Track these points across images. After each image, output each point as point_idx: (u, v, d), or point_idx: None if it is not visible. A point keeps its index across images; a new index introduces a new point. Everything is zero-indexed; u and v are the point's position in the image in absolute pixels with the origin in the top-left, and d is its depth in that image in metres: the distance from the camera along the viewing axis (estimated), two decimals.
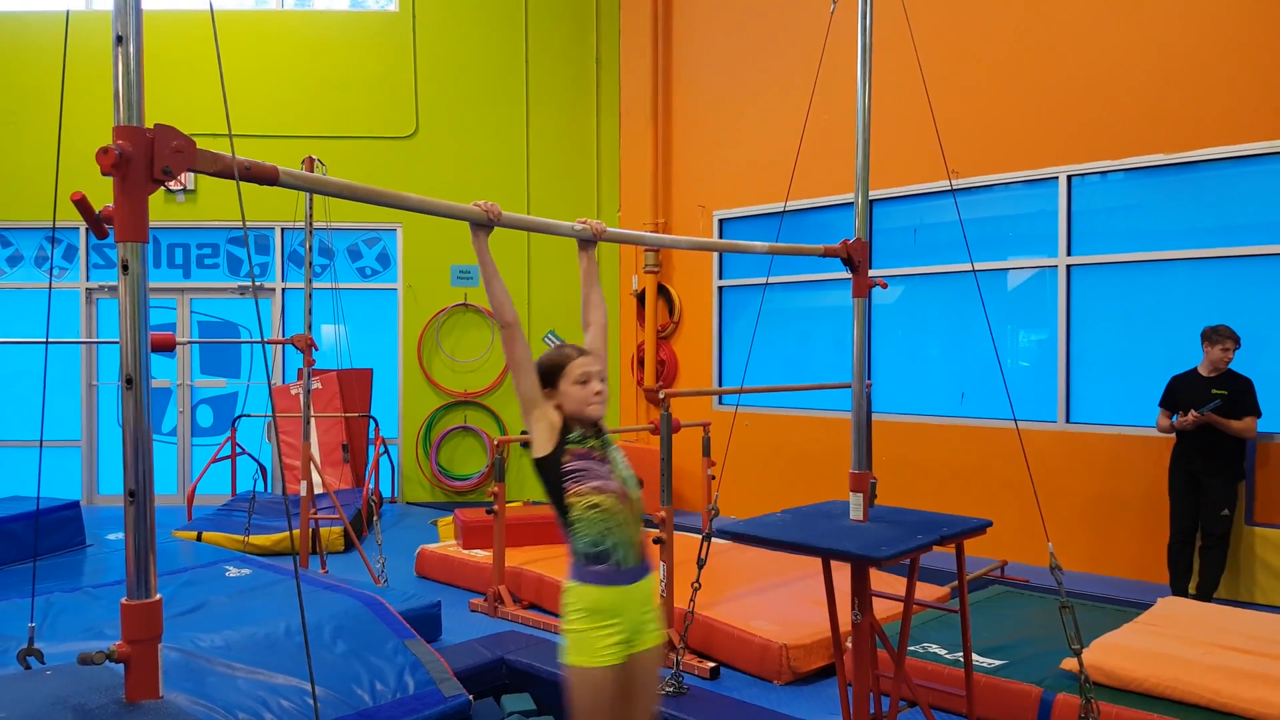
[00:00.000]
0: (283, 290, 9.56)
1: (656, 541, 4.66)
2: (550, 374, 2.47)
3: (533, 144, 9.65)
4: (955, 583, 3.64)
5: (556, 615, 5.36)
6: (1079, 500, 6.41)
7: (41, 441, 3.43)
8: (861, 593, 3.15)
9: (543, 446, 2.40)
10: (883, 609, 3.96)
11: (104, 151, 1.77)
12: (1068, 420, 6.56)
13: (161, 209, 9.25)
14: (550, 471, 2.40)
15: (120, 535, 6.37)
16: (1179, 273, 6.19)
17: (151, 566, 1.93)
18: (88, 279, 9.43)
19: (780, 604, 4.99)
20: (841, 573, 3.38)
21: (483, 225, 2.40)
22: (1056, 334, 6.63)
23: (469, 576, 6.06)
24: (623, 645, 2.36)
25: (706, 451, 6.43)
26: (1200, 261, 6.08)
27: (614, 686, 2.33)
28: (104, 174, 1.81)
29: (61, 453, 9.39)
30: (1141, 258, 6.29)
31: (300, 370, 6.04)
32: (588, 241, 2.74)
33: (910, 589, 3.19)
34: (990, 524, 3.38)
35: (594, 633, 2.34)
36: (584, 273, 2.74)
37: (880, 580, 5.00)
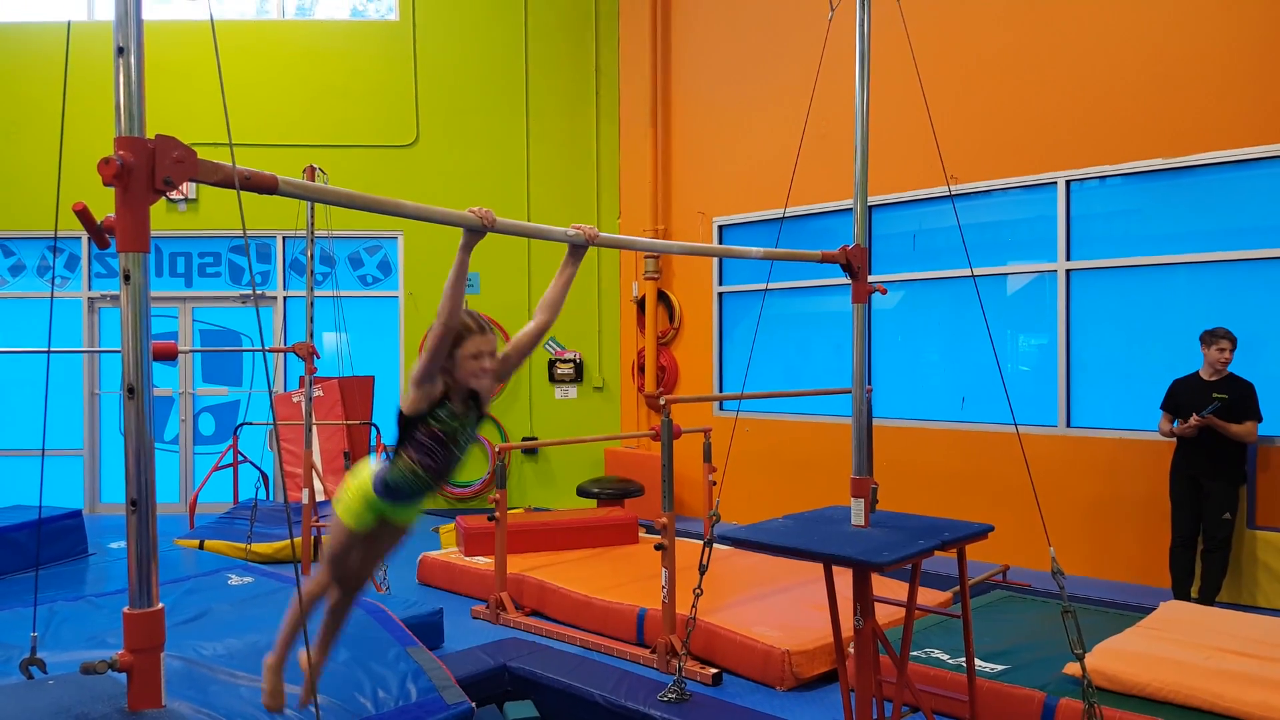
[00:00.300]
0: (284, 298, 9.58)
1: (658, 548, 4.66)
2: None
3: (533, 152, 9.67)
4: (957, 587, 3.64)
5: (559, 623, 5.36)
6: (1080, 504, 6.40)
7: (44, 450, 3.43)
8: (863, 598, 3.16)
9: (413, 406, 2.50)
10: (885, 614, 3.96)
11: (105, 162, 1.78)
12: (1068, 425, 6.56)
13: (163, 218, 9.27)
14: (404, 429, 2.52)
15: (122, 544, 6.38)
16: (1178, 277, 6.19)
17: (153, 575, 1.94)
18: (90, 288, 9.44)
19: (782, 609, 4.99)
20: (843, 578, 3.39)
21: (476, 231, 2.42)
22: (1056, 338, 6.64)
23: (471, 583, 6.06)
24: (375, 520, 2.60)
25: (707, 457, 6.43)
26: (1199, 265, 6.09)
27: (354, 537, 2.62)
28: (105, 184, 1.82)
29: (64, 461, 9.40)
30: (1140, 262, 6.29)
31: (302, 378, 6.05)
32: (578, 248, 2.76)
33: (912, 594, 3.20)
34: (992, 529, 3.38)
35: (361, 509, 2.56)
36: (562, 276, 2.75)
37: (882, 585, 5.00)
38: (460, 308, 2.45)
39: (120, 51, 1.88)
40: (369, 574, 2.85)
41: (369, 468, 2.60)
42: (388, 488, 2.53)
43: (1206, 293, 6.07)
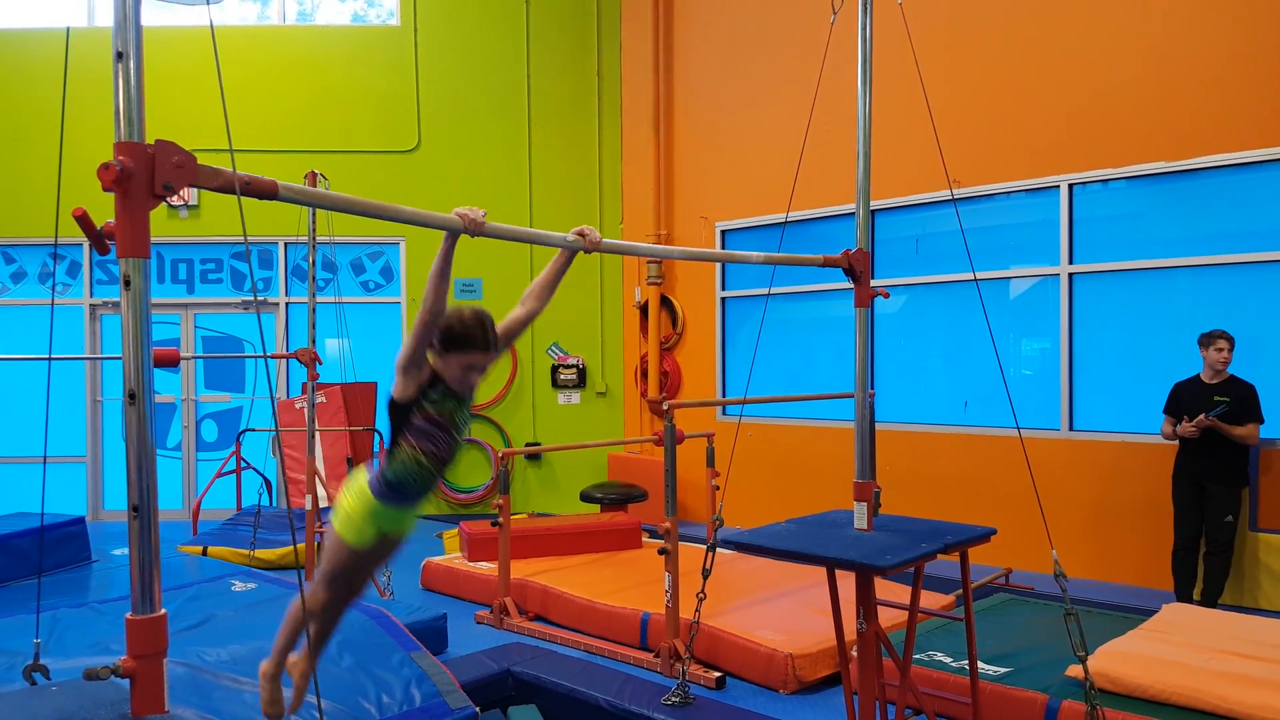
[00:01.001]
0: (286, 305, 9.59)
1: (662, 552, 4.66)
2: (450, 342, 2.48)
3: (535, 157, 9.68)
4: (960, 590, 3.64)
5: (563, 627, 5.36)
6: (1083, 507, 6.39)
7: (45, 457, 3.44)
8: (866, 601, 3.16)
9: (403, 392, 2.48)
10: (888, 617, 3.95)
11: (105, 167, 1.79)
12: (1071, 428, 6.55)
13: (164, 224, 9.29)
14: (398, 416, 2.50)
15: (126, 550, 6.38)
16: (1181, 280, 6.18)
17: (156, 581, 1.94)
18: (91, 295, 9.46)
19: (785, 613, 4.98)
20: (846, 582, 3.39)
21: (462, 231, 2.42)
22: (1059, 342, 6.63)
23: (475, 589, 6.06)
24: (377, 535, 2.57)
25: (711, 462, 6.44)
26: (1202, 269, 6.08)
27: (354, 555, 2.58)
28: (105, 190, 1.82)
29: (67, 468, 9.41)
30: (1143, 265, 6.29)
31: (304, 384, 6.05)
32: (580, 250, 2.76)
33: (915, 597, 3.19)
34: (994, 532, 3.38)
35: (362, 521, 2.53)
36: (554, 265, 2.74)
37: (885, 589, 4.99)
38: (442, 298, 2.43)
39: (119, 57, 1.89)
40: (364, 587, 2.83)
41: (364, 475, 2.57)
42: (389, 486, 2.49)
43: (1208, 296, 6.06)
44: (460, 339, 2.47)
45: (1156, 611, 4.70)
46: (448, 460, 2.54)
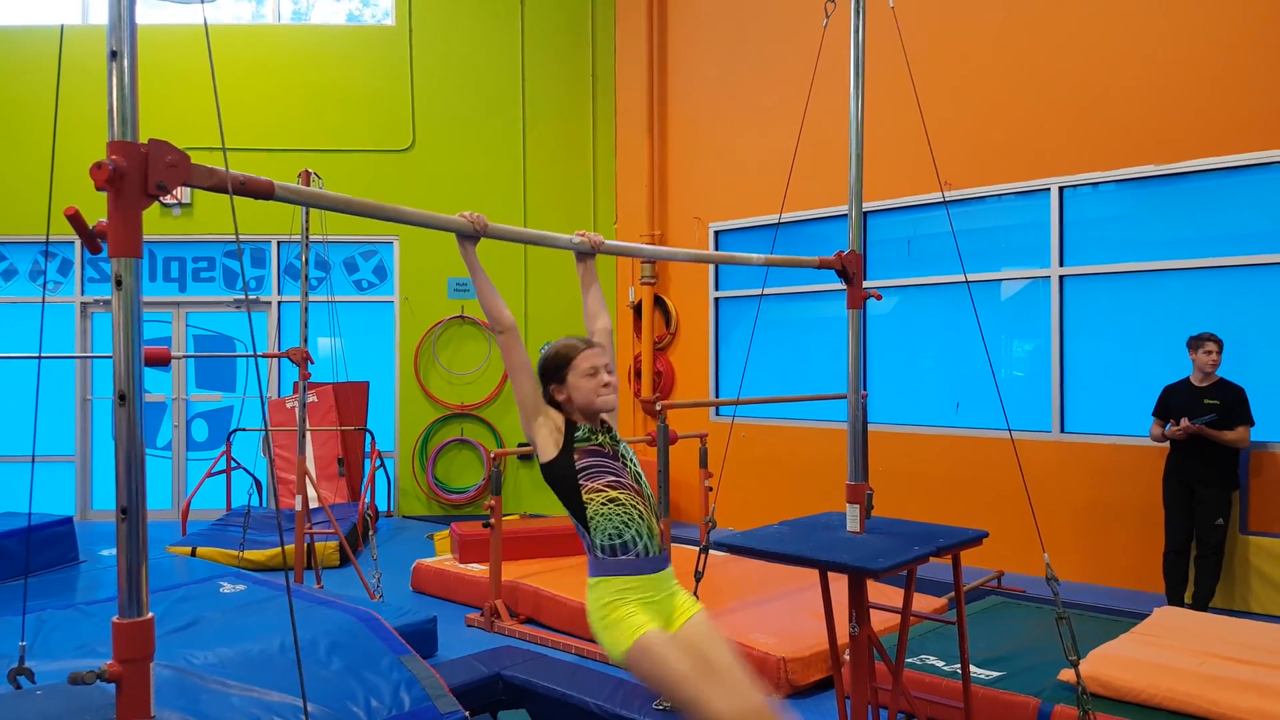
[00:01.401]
0: (279, 304, 9.56)
1: None
2: (556, 368, 2.42)
3: (529, 157, 9.67)
4: (952, 594, 3.64)
5: (555, 630, 5.34)
6: (1075, 510, 6.41)
7: (34, 456, 3.41)
8: (859, 605, 3.15)
9: (549, 450, 2.36)
10: (880, 621, 3.95)
11: (98, 166, 1.77)
12: (1062, 430, 6.56)
13: (157, 223, 9.25)
14: (562, 472, 2.35)
15: (114, 551, 6.35)
16: (1171, 283, 6.20)
17: (143, 584, 1.92)
18: (83, 293, 9.41)
19: (778, 616, 4.97)
20: (839, 584, 3.38)
21: (469, 236, 2.39)
22: (1050, 344, 6.65)
23: (465, 591, 6.04)
24: (658, 621, 2.31)
25: (704, 463, 6.43)
26: (1191, 271, 6.10)
27: (672, 643, 2.26)
28: (98, 189, 1.81)
29: (56, 468, 9.36)
30: (1133, 268, 6.31)
31: (296, 384, 6.03)
32: (586, 255, 2.73)
33: (907, 601, 3.19)
34: (986, 535, 3.38)
35: (626, 611, 2.28)
36: (583, 282, 2.73)
37: (877, 592, 4.99)
38: (503, 305, 2.38)
39: (114, 55, 1.87)
40: (744, 693, 2.37)
41: (591, 583, 2.33)
42: (606, 552, 2.29)
43: (1198, 298, 6.08)
44: (562, 355, 2.41)
45: (1148, 615, 4.71)
46: (640, 492, 2.35)
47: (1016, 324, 6.98)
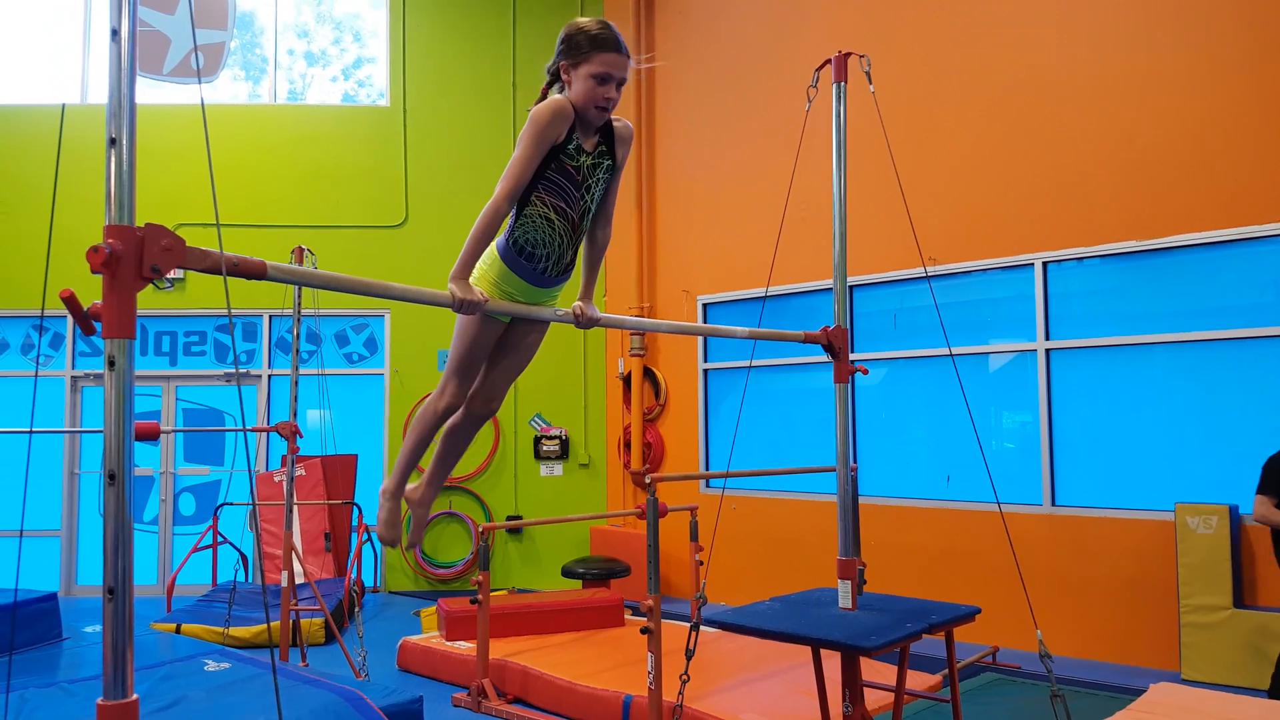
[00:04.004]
0: (269, 377, 9.56)
1: (644, 631, 4.59)
2: (575, 49, 2.32)
3: None
4: (946, 670, 3.60)
5: (543, 710, 5.24)
6: (1068, 583, 6.36)
7: (22, 531, 3.39)
8: (852, 683, 3.12)
9: (544, 145, 2.35)
10: (874, 699, 3.90)
11: (95, 250, 1.80)
12: (1053, 503, 6.56)
13: (149, 298, 9.29)
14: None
15: (98, 628, 6.24)
16: (1157, 356, 6.27)
17: (129, 665, 1.90)
18: (73, 367, 9.41)
19: (770, 695, 4.90)
20: (832, 662, 3.35)
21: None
22: (1039, 417, 6.68)
23: (452, 670, 5.94)
24: (504, 299, 2.43)
25: (694, 536, 6.38)
26: (1176, 345, 6.16)
27: (481, 332, 2.42)
28: (94, 272, 1.83)
29: (40, 542, 9.23)
30: (1119, 342, 6.38)
31: (284, 457, 6.01)
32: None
33: (901, 678, 3.16)
34: (979, 611, 3.36)
35: (489, 285, 2.42)
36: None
37: (871, 669, 4.93)
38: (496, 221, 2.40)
39: (112, 142, 1.92)
40: (499, 392, 2.61)
41: (490, 250, 2.45)
42: (516, 248, 2.38)
43: (1184, 371, 6.14)
44: (589, 40, 2.29)
45: (1144, 691, 4.65)
46: (578, 225, 2.40)
47: (1005, 396, 7.03)
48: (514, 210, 2.41)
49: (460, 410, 2.57)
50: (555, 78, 2.42)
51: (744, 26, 8.79)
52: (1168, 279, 6.25)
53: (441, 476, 2.67)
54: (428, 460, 2.80)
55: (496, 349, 2.51)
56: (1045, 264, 6.69)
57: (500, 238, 2.45)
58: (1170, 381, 6.19)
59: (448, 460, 2.67)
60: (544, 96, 2.40)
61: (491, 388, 2.58)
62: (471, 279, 2.39)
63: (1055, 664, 3.28)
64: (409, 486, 2.61)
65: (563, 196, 2.37)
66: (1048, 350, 6.66)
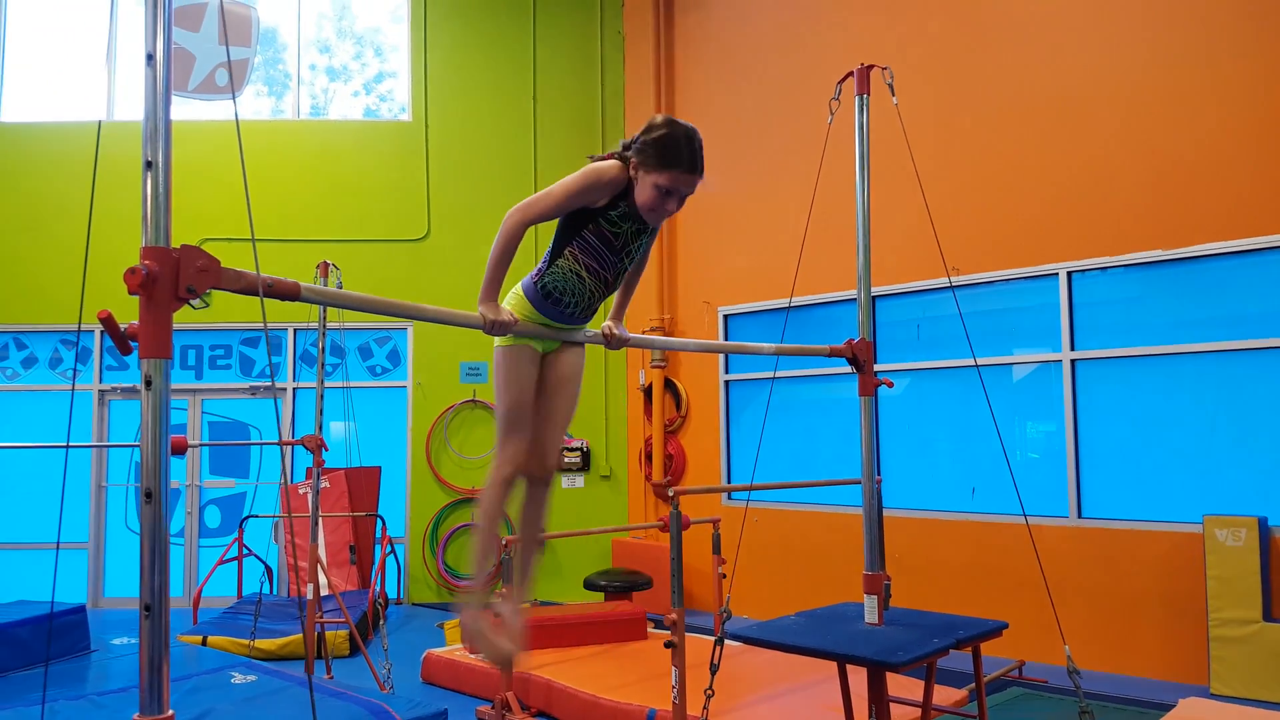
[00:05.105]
0: (294, 390, 9.64)
1: (669, 645, 4.58)
2: (654, 152, 2.29)
3: (542, 247, 9.82)
4: (973, 685, 3.57)
5: None
6: (1095, 596, 6.30)
7: (59, 543, 3.44)
8: (879, 699, 3.11)
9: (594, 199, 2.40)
10: (900, 715, 3.87)
11: (131, 272, 1.84)
12: (1079, 515, 6.50)
13: (178, 314, 9.39)
14: (568, 228, 2.42)
15: (126, 640, 6.30)
16: (1184, 366, 6.21)
17: (164, 681, 1.93)
18: (101, 381, 9.52)
19: (795, 710, 4.88)
20: (858, 677, 3.34)
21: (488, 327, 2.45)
22: (1064, 428, 6.63)
23: (476, 682, 5.95)
24: (536, 344, 2.48)
25: (717, 549, 6.37)
26: (1203, 355, 6.10)
27: (525, 362, 2.45)
28: (130, 293, 1.87)
29: (67, 554, 9.32)
30: (1145, 352, 6.33)
31: (309, 470, 6.05)
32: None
33: (928, 694, 3.14)
34: (1006, 625, 3.34)
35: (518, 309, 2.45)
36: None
37: (897, 684, 4.90)
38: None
39: (149, 165, 1.96)
40: (551, 446, 2.59)
41: (516, 289, 2.51)
42: (544, 292, 2.42)
43: (1210, 381, 6.07)
44: (669, 152, 2.27)
45: (1173, 706, 4.60)
46: (611, 284, 2.44)
47: (1030, 406, 6.98)
48: (548, 256, 2.47)
49: (525, 484, 2.57)
50: (624, 159, 2.40)
51: (765, 37, 8.81)
52: (1194, 288, 6.20)
53: (533, 556, 2.68)
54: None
55: (538, 396, 2.51)
56: (1070, 274, 6.65)
57: (529, 277, 2.50)
58: (1197, 392, 6.13)
59: (530, 548, 2.66)
60: (610, 157, 2.40)
61: (543, 444, 2.57)
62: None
63: (1083, 678, 3.26)
64: (498, 605, 2.54)
65: (596, 258, 2.41)
66: (1073, 360, 6.61)
